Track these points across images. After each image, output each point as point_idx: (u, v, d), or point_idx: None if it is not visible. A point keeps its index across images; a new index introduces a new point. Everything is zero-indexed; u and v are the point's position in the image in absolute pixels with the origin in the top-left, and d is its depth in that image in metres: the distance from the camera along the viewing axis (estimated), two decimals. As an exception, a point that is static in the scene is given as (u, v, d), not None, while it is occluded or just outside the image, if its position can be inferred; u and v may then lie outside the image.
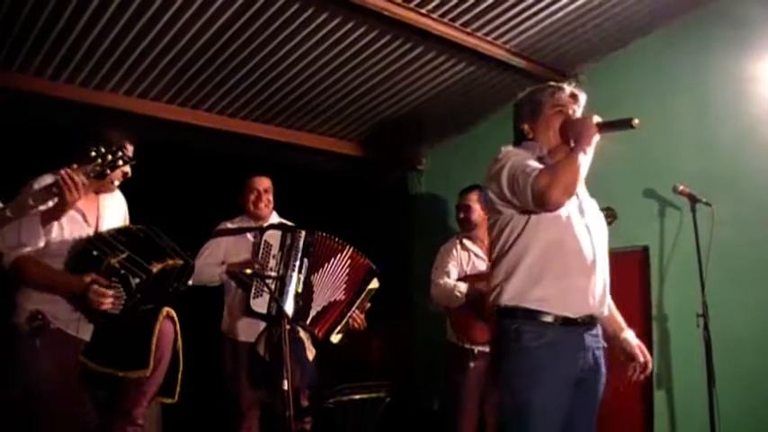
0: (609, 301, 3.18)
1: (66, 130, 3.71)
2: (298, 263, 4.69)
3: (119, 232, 3.62)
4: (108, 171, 3.35)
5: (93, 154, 3.33)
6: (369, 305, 4.89)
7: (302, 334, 4.69)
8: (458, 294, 5.11)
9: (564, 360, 2.98)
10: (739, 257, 5.08)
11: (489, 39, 5.37)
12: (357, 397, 5.18)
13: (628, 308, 5.69)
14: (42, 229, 3.37)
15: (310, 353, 4.74)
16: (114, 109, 5.36)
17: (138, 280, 3.39)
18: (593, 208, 3.22)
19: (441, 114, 6.54)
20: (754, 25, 5.22)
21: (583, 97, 3.24)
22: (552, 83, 3.32)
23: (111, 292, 3.36)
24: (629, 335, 3.32)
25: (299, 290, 4.67)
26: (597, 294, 3.04)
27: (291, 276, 4.66)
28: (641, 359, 3.27)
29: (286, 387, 4.04)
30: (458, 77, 5.95)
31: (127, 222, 3.93)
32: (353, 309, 4.78)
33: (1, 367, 3.71)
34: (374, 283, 4.83)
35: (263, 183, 4.99)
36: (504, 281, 3.07)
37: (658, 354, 5.42)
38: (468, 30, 5.21)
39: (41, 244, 3.41)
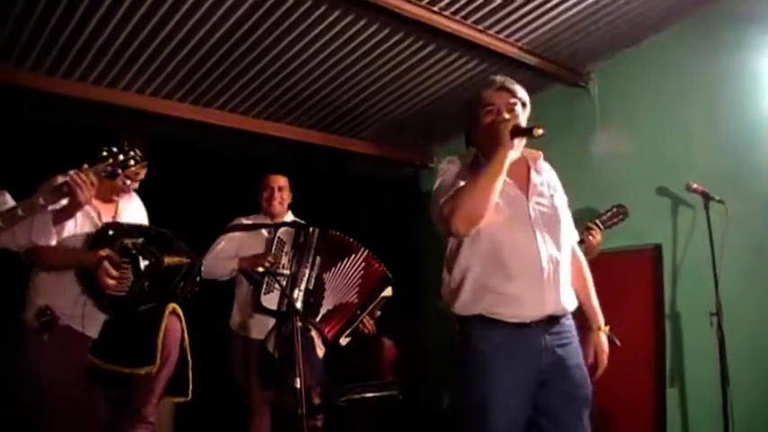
0: (570, 296, 3.08)
1: (78, 129, 3.73)
2: (310, 260, 4.70)
3: (134, 227, 3.66)
4: (119, 171, 3.37)
5: (105, 153, 3.35)
6: (379, 313, 4.90)
7: (312, 331, 4.70)
8: None
9: (517, 361, 2.93)
10: (753, 255, 5.05)
11: (501, 36, 5.35)
12: (369, 395, 5.18)
13: (641, 306, 5.72)
14: (54, 227, 3.39)
15: (320, 350, 4.74)
16: (126, 107, 5.37)
17: (147, 263, 3.42)
18: (546, 202, 3.10)
19: (452, 112, 6.50)
20: (766, 21, 5.19)
21: (518, 89, 3.10)
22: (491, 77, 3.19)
23: (117, 273, 3.39)
24: (594, 336, 3.26)
25: (310, 287, 4.68)
26: (551, 295, 2.97)
27: (303, 273, 4.66)
28: (590, 360, 3.21)
29: (298, 385, 4.04)
30: (469, 75, 5.93)
31: None
32: (365, 314, 4.79)
33: (10, 363, 3.74)
34: (388, 291, 4.85)
35: (278, 180, 5.01)
36: (453, 291, 3.11)
37: (671, 352, 5.40)
38: (480, 27, 5.19)
39: (53, 242, 3.43)
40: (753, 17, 5.21)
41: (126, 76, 5.22)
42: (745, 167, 5.15)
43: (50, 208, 3.30)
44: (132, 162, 3.39)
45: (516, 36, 5.40)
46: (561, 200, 3.20)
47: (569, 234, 3.20)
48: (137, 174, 3.69)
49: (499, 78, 3.13)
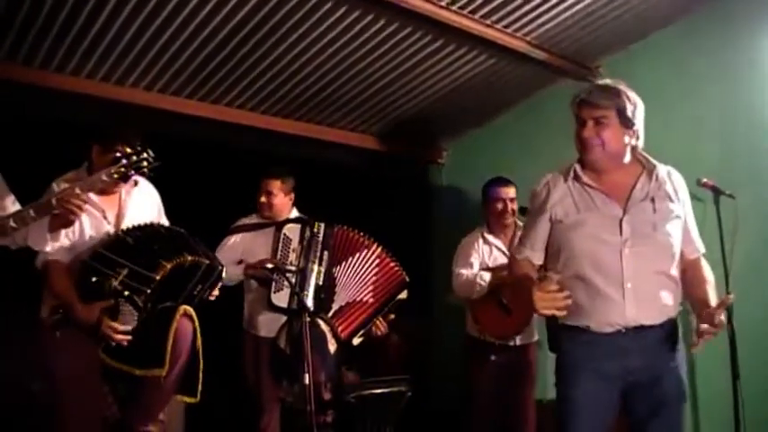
0: (663, 308, 3.14)
1: (86, 126, 3.73)
2: (318, 255, 4.70)
3: (130, 232, 3.62)
4: (132, 172, 3.37)
5: (118, 155, 3.35)
6: (393, 316, 4.92)
7: (324, 326, 4.70)
8: (481, 283, 5.09)
9: (601, 361, 3.05)
10: (764, 249, 5.03)
11: (509, 31, 5.34)
12: (378, 391, 5.18)
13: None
14: (48, 234, 3.41)
15: (332, 346, 4.74)
16: (134, 104, 5.36)
17: (143, 297, 3.41)
18: (649, 212, 3.13)
19: (461, 108, 6.52)
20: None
21: (601, 101, 3.15)
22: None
23: (122, 328, 3.41)
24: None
25: (320, 282, 4.68)
26: (636, 307, 3.04)
27: (312, 268, 4.66)
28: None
29: (307, 382, 4.05)
30: (477, 70, 5.92)
31: (161, 215, 3.93)
32: (379, 316, 4.82)
33: (27, 360, 3.76)
34: (403, 294, 4.89)
35: (267, 185, 4.98)
36: None
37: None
38: (488, 22, 5.17)
39: (47, 248, 3.46)
40: (762, 9, 5.18)
41: (134, 73, 5.22)
42: (755, 162, 5.13)
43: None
44: (145, 163, 3.39)
45: (524, 31, 5.39)
46: (676, 209, 3.22)
47: (686, 244, 3.25)
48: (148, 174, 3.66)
49: (583, 92, 3.20)
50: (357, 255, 4.83)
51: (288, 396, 4.67)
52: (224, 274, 4.16)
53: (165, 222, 3.93)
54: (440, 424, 6.18)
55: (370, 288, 4.81)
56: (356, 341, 4.79)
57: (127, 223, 3.69)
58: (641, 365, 3.07)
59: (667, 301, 3.14)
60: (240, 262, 4.81)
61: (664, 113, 5.58)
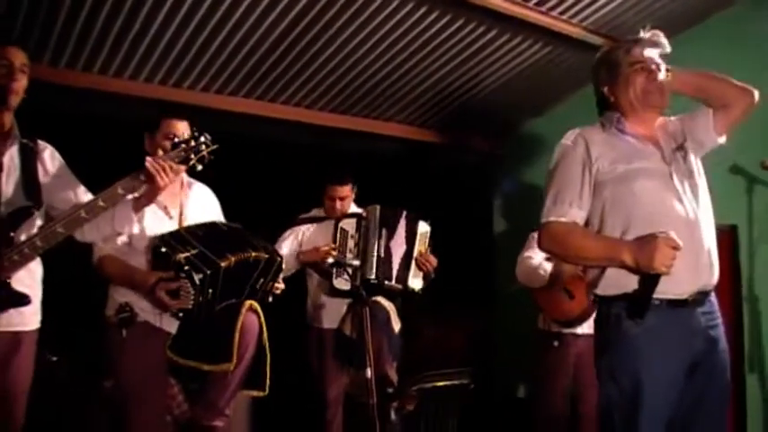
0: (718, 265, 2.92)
1: (146, 127, 3.78)
2: (377, 233, 4.82)
3: (198, 227, 3.66)
4: (192, 156, 3.40)
5: (176, 140, 3.39)
6: (429, 248, 4.97)
7: (387, 305, 4.76)
8: (541, 273, 5.05)
9: (670, 346, 2.76)
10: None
11: (565, 17, 5.28)
12: (440, 384, 5.17)
13: (717, 288, 5.58)
14: (135, 215, 3.44)
15: (396, 324, 4.78)
16: (193, 105, 5.43)
17: (201, 275, 3.40)
18: (689, 171, 3.00)
19: (517, 97, 6.46)
20: None
21: (663, 41, 3.07)
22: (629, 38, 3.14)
23: (169, 299, 3.41)
24: None
25: (381, 254, 4.81)
26: (704, 267, 2.84)
27: (372, 244, 4.79)
28: None
29: (369, 375, 4.06)
30: (534, 59, 5.87)
31: (220, 216, 3.97)
32: (414, 253, 4.89)
33: (96, 358, 3.84)
34: (423, 227, 4.96)
35: (341, 191, 5.05)
36: (599, 272, 2.91)
37: (750, 336, 5.26)
38: (543, 9, 5.12)
39: (136, 230, 3.49)
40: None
41: (191, 75, 5.29)
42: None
43: (130, 196, 3.34)
44: (204, 147, 3.42)
45: (580, 16, 5.31)
46: (694, 158, 3.08)
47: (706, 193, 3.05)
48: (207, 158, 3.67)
49: (647, 34, 3.10)
50: (398, 226, 4.93)
51: (352, 388, 4.72)
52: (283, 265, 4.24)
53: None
54: (505, 415, 6.15)
55: (403, 242, 4.93)
56: (415, 285, 4.91)
57: (191, 214, 3.74)
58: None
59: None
60: (299, 255, 4.92)
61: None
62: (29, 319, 3.18)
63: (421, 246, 4.93)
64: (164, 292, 3.39)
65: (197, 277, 3.38)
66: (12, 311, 2.96)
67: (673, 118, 3.16)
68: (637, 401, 2.74)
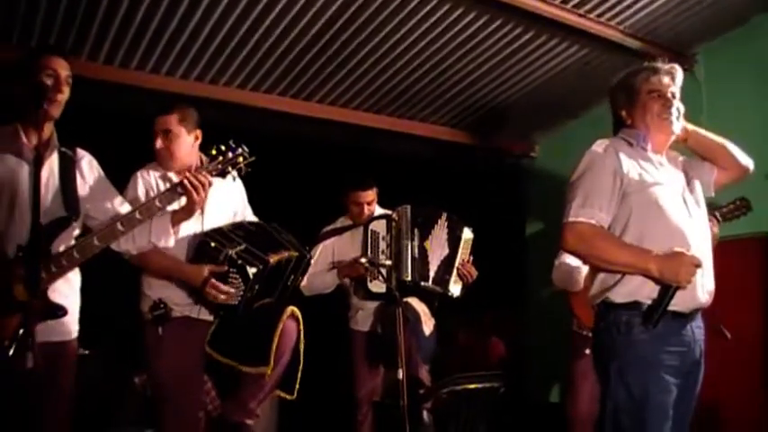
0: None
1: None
2: (409, 233, 4.78)
3: (234, 227, 3.67)
4: (229, 168, 3.43)
5: (215, 152, 3.42)
6: (471, 257, 4.93)
7: (418, 306, 4.74)
8: (578, 278, 5.02)
9: (673, 354, 2.89)
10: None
11: (602, 20, 5.24)
12: (471, 387, 5.16)
13: (751, 297, 5.53)
14: (172, 228, 3.44)
15: (427, 327, 4.77)
16: (229, 102, 5.49)
17: (255, 270, 3.43)
18: (695, 194, 3.14)
19: (553, 99, 6.43)
20: None
21: (679, 75, 3.15)
22: (646, 64, 3.23)
23: (226, 288, 3.42)
24: None
25: (416, 255, 4.77)
26: (706, 286, 2.96)
27: (406, 245, 4.76)
28: None
29: (401, 376, 4.07)
30: (570, 61, 5.84)
31: (246, 210, 3.98)
32: (457, 260, 4.84)
33: (132, 353, 3.86)
34: (467, 233, 4.91)
35: (367, 197, 4.99)
36: (617, 280, 2.98)
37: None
38: (581, 11, 5.09)
39: (171, 244, 3.46)
40: None
41: (227, 71, 5.33)
42: None
43: (167, 209, 3.36)
44: (241, 159, 3.44)
45: (617, 20, 5.28)
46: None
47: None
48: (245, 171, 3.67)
49: (665, 65, 3.18)
50: (435, 225, 4.89)
51: (385, 389, 4.74)
52: (315, 285, 4.48)
53: (250, 212, 3.97)
54: (538, 416, 6.13)
55: (446, 245, 4.88)
56: (455, 290, 4.85)
57: (211, 210, 3.69)
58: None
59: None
60: (333, 267, 4.88)
61: (763, 100, 5.42)
62: (68, 328, 3.17)
63: (464, 253, 4.90)
64: (214, 286, 3.41)
65: (251, 271, 3.42)
66: (50, 322, 2.98)
67: (680, 158, 3.29)
68: (645, 405, 2.84)
